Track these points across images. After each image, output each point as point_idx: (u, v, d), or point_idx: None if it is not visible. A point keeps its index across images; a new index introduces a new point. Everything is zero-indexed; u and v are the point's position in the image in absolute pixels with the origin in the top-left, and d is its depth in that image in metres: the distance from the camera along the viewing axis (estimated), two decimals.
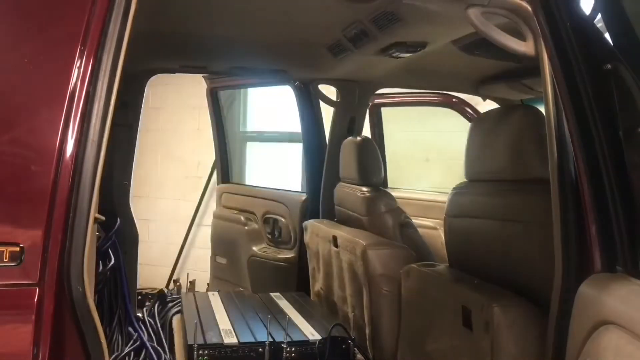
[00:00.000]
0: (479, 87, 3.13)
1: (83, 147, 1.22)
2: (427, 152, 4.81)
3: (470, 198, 1.98)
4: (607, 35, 1.25)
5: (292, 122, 4.34)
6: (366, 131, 3.85)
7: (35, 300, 1.17)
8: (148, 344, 2.24)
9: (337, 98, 3.36)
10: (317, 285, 3.00)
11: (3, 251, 1.17)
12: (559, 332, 1.32)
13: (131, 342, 2.30)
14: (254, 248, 3.78)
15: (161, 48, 2.65)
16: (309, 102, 3.52)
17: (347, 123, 3.35)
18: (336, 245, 2.65)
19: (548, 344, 1.36)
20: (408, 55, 2.44)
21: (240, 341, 2.03)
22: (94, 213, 1.23)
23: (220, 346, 1.99)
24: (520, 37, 1.50)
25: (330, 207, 3.26)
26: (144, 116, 3.04)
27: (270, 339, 2.03)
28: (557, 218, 1.36)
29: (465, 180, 2.02)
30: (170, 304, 3.10)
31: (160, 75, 3.16)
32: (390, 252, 2.37)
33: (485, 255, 1.88)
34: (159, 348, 2.25)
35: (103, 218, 1.33)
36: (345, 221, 2.99)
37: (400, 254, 2.38)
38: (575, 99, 1.28)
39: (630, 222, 1.20)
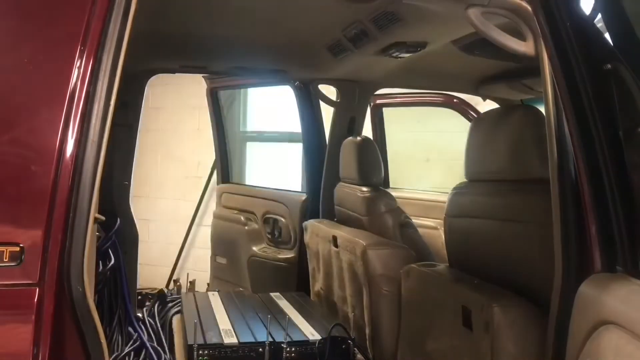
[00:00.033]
0: (479, 87, 3.13)
1: (83, 147, 1.22)
2: (428, 152, 4.82)
3: (470, 198, 1.98)
4: (607, 35, 1.25)
5: (292, 122, 4.34)
6: (368, 132, 3.86)
7: (35, 300, 1.17)
8: (148, 344, 2.24)
9: (337, 98, 3.36)
10: (317, 285, 3.00)
11: (3, 251, 1.17)
12: (559, 332, 1.32)
13: (131, 342, 2.30)
14: (254, 248, 3.78)
15: (161, 48, 2.65)
16: (309, 102, 3.52)
17: (347, 123, 3.35)
18: (336, 245, 2.65)
19: (548, 344, 1.36)
20: (408, 55, 2.44)
21: (240, 341, 2.03)
22: (94, 213, 1.23)
23: (220, 346, 1.99)
24: (520, 37, 1.50)
25: (330, 207, 3.26)
26: (144, 116, 3.04)
27: (270, 339, 2.03)
28: (557, 218, 1.36)
29: (465, 180, 2.02)
30: (170, 304, 3.10)
31: (160, 75, 3.16)
32: (390, 252, 2.37)
33: (485, 255, 1.87)
34: (159, 348, 2.25)
35: (103, 218, 1.33)
36: (345, 221, 2.99)
37: (400, 254, 2.38)
38: (575, 99, 1.28)
39: (630, 222, 1.20)
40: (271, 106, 5.73)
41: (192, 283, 5.49)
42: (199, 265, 5.53)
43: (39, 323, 1.16)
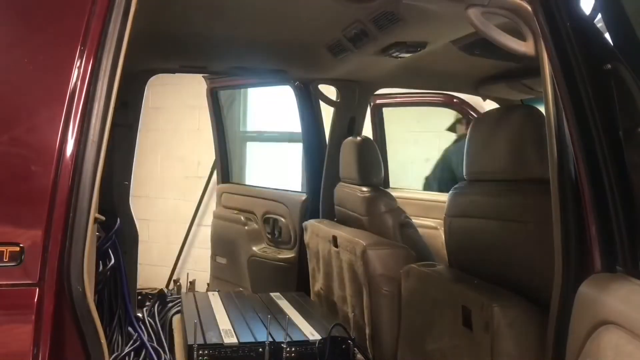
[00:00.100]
0: (479, 87, 3.13)
1: (83, 147, 1.22)
2: (428, 152, 4.82)
3: (470, 198, 1.98)
4: (607, 35, 1.25)
5: (292, 122, 4.34)
6: (368, 132, 3.86)
7: (35, 300, 1.17)
8: (148, 344, 2.24)
9: (337, 98, 3.36)
10: (317, 285, 3.00)
11: (3, 251, 1.17)
12: (559, 332, 1.32)
13: (131, 342, 2.30)
14: (254, 248, 3.78)
15: (161, 48, 2.65)
16: (309, 102, 3.52)
17: (347, 123, 3.35)
18: (336, 245, 2.65)
19: (548, 344, 1.36)
20: (408, 55, 2.44)
21: (240, 341, 2.03)
22: (94, 213, 1.23)
23: (220, 346, 1.99)
24: (520, 37, 1.50)
25: (330, 207, 3.26)
26: (144, 116, 3.04)
27: (270, 339, 2.03)
28: (557, 218, 1.36)
29: (465, 180, 2.02)
30: (170, 304, 3.10)
31: (160, 75, 3.16)
32: (390, 252, 2.37)
33: (485, 255, 1.88)
34: (159, 348, 2.25)
35: (103, 218, 1.33)
36: (345, 221, 2.99)
37: (400, 254, 2.38)
38: (575, 99, 1.28)
39: (630, 222, 1.20)
40: (271, 106, 5.73)
41: (192, 283, 5.49)
42: (199, 265, 5.53)
43: (39, 323, 1.16)
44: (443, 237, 2.22)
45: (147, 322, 2.52)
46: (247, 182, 5.30)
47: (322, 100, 3.43)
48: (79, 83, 1.23)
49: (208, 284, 4.50)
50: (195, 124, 5.86)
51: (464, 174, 2.00)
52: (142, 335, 2.31)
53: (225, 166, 4.26)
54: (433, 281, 2.00)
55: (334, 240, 2.67)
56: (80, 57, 1.23)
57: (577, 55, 1.27)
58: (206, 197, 5.90)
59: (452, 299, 1.81)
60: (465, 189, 2.02)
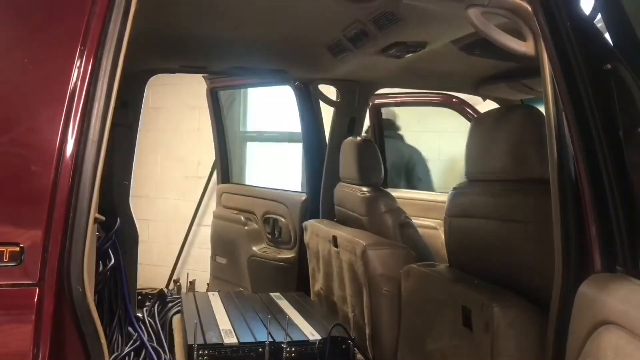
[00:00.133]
0: (479, 87, 3.13)
1: (83, 147, 1.22)
2: (428, 151, 4.82)
3: (470, 198, 1.98)
4: (607, 35, 1.25)
5: (292, 122, 4.34)
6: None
7: (35, 300, 1.17)
8: (148, 344, 2.24)
9: (337, 98, 3.36)
10: (317, 285, 3.00)
11: (3, 251, 1.17)
12: (559, 332, 1.32)
13: (131, 342, 2.30)
14: (254, 248, 3.78)
15: (161, 48, 2.65)
16: (309, 102, 3.52)
17: (347, 123, 3.35)
18: (336, 245, 2.65)
19: (548, 344, 1.36)
20: (408, 55, 2.44)
21: (240, 341, 2.03)
22: (94, 213, 1.23)
23: (220, 346, 1.99)
24: (520, 37, 1.49)
25: (330, 207, 3.26)
26: (144, 116, 3.04)
27: (270, 339, 2.03)
28: (557, 218, 1.36)
29: (465, 180, 2.02)
30: (170, 304, 3.10)
31: (160, 75, 3.16)
32: (390, 252, 2.37)
33: (485, 255, 1.87)
34: (158, 348, 2.25)
35: (103, 218, 1.33)
36: (345, 221, 2.99)
37: (400, 254, 2.38)
38: (575, 99, 1.28)
39: (630, 222, 1.20)
40: (271, 106, 5.73)
41: (192, 283, 5.49)
42: (199, 265, 5.53)
43: (39, 323, 1.16)
44: (443, 237, 2.22)
45: (147, 322, 2.52)
46: (247, 182, 5.30)
47: (322, 100, 3.43)
48: (79, 83, 1.23)
49: (208, 284, 4.50)
50: (195, 124, 5.86)
51: (465, 173, 2.00)
52: (142, 335, 2.31)
53: (225, 166, 4.26)
54: (433, 281, 2.00)
55: (334, 240, 2.67)
56: (80, 57, 1.23)
57: (577, 55, 1.27)
58: (206, 197, 5.90)
59: (452, 299, 1.81)
60: (465, 189, 2.02)
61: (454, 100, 3.83)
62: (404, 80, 3.35)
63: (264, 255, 3.71)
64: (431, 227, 3.53)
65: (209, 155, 5.13)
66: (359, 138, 3.00)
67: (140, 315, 2.71)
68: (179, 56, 2.89)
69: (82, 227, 1.21)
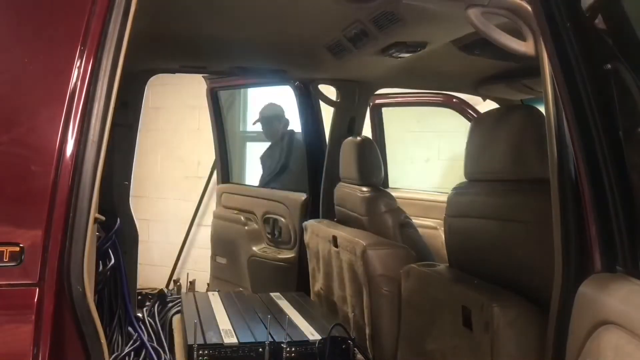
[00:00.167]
0: (479, 87, 3.13)
1: (83, 147, 1.22)
2: (428, 151, 4.82)
3: (470, 198, 1.98)
4: (607, 35, 1.25)
5: (292, 122, 4.34)
6: (368, 132, 3.86)
7: (35, 300, 1.17)
8: (148, 344, 2.24)
9: (337, 98, 3.36)
10: (317, 285, 2.99)
11: (3, 251, 1.17)
12: (559, 332, 1.32)
13: (131, 342, 2.30)
14: (254, 248, 3.78)
15: (161, 48, 2.65)
16: (309, 102, 3.52)
17: (347, 123, 3.35)
18: (336, 245, 2.65)
19: (548, 344, 1.36)
20: (408, 55, 2.44)
21: (240, 341, 2.03)
22: (94, 213, 1.23)
23: (220, 346, 1.99)
24: (520, 37, 1.49)
25: (330, 207, 3.26)
26: (144, 116, 3.04)
27: (270, 339, 2.02)
28: (557, 218, 1.36)
29: (465, 180, 2.02)
30: (170, 304, 3.10)
31: (160, 75, 3.16)
32: (390, 252, 2.37)
33: (485, 255, 1.88)
34: (159, 348, 2.25)
35: (103, 218, 1.33)
36: (345, 221, 2.99)
37: (400, 254, 2.38)
38: (575, 99, 1.28)
39: (630, 222, 1.20)
40: None
41: (192, 283, 5.49)
42: (199, 265, 5.53)
43: (39, 323, 1.16)
44: (443, 237, 2.22)
45: (147, 322, 2.51)
46: (247, 182, 5.29)
47: (322, 100, 3.43)
48: (79, 83, 1.22)
49: (208, 284, 4.50)
50: (195, 124, 5.85)
51: (464, 173, 2.00)
52: (142, 335, 2.30)
53: (225, 166, 4.27)
54: (433, 281, 2.00)
55: (334, 240, 2.67)
56: (80, 57, 1.23)
57: (577, 55, 1.27)
58: (206, 197, 5.89)
59: (452, 299, 1.81)
60: (465, 189, 2.02)
61: (454, 100, 3.83)
62: (404, 80, 3.35)
63: (264, 255, 3.72)
64: (431, 227, 3.53)
65: (209, 155, 5.13)
66: (359, 138, 3.01)
67: (140, 315, 2.71)
68: (179, 56, 2.89)
69: (82, 227, 1.21)
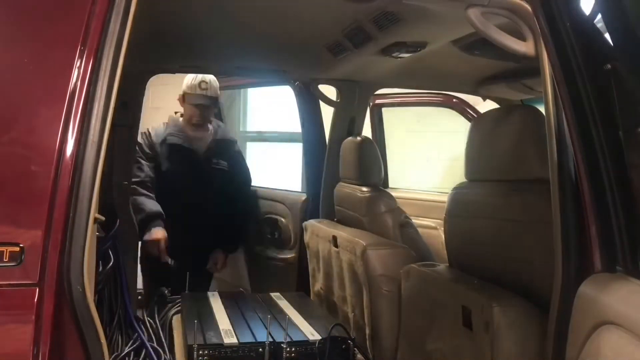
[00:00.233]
0: (479, 87, 3.13)
1: (83, 147, 1.22)
2: (428, 151, 4.82)
3: (470, 198, 1.98)
4: (607, 35, 1.25)
5: (292, 122, 4.34)
6: (367, 132, 3.86)
7: (35, 300, 1.17)
8: (148, 344, 2.24)
9: (337, 98, 3.36)
10: (317, 285, 3.00)
11: (3, 251, 1.17)
12: (559, 332, 1.32)
13: (131, 342, 2.30)
14: (254, 248, 3.78)
15: (161, 48, 2.65)
16: (309, 102, 3.52)
17: (347, 123, 3.35)
18: (336, 245, 2.65)
19: (548, 344, 1.36)
20: (408, 55, 2.44)
21: (240, 341, 2.03)
22: (94, 213, 1.23)
23: (220, 346, 1.99)
24: (520, 37, 1.50)
25: (330, 207, 3.26)
26: (144, 116, 3.04)
27: (270, 339, 2.02)
28: (557, 218, 1.36)
29: (465, 180, 2.02)
30: (170, 304, 3.09)
31: (160, 75, 3.16)
32: (390, 252, 2.37)
33: (485, 255, 1.88)
34: (158, 348, 2.25)
35: (103, 218, 1.33)
36: (345, 221, 2.99)
37: (400, 254, 2.38)
38: (575, 99, 1.28)
39: (630, 222, 1.21)
40: (271, 106, 5.73)
41: None
42: None
43: (39, 323, 1.16)
44: (443, 237, 2.22)
45: (147, 322, 2.51)
46: None
47: (322, 100, 3.43)
48: (79, 83, 1.22)
49: None
50: None
51: (464, 173, 2.00)
52: (142, 335, 2.30)
53: None
54: (433, 281, 2.00)
55: (334, 240, 2.67)
56: (80, 57, 1.23)
57: (577, 55, 1.27)
58: None
59: (452, 299, 1.81)
60: (465, 189, 2.02)
61: (454, 100, 3.83)
62: (404, 80, 3.35)
63: (264, 255, 3.72)
64: (431, 227, 3.53)
65: None
66: (359, 138, 3.01)
67: (140, 315, 2.71)
68: (179, 56, 2.89)
69: (82, 227, 1.21)
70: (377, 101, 4.18)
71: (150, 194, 3.14)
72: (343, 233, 2.62)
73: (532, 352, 1.51)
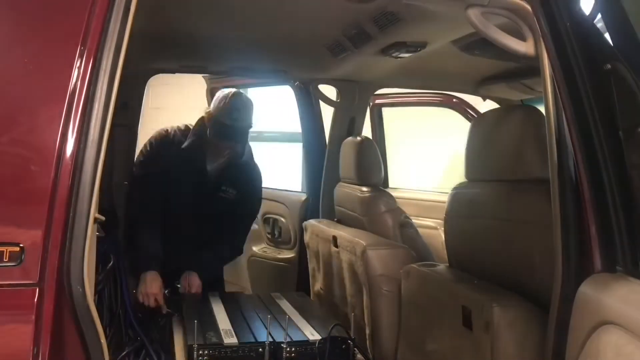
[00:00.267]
0: (479, 87, 3.13)
1: (83, 147, 1.22)
2: (428, 151, 4.82)
3: (470, 198, 1.98)
4: (607, 35, 1.25)
5: (292, 122, 4.34)
6: (367, 132, 3.85)
7: (35, 300, 1.17)
8: (148, 344, 2.24)
9: (337, 98, 3.36)
10: (317, 285, 3.00)
11: (3, 251, 1.17)
12: (559, 332, 1.32)
13: (131, 342, 2.30)
14: (254, 248, 3.78)
15: (161, 48, 2.65)
16: (309, 102, 3.52)
17: (347, 123, 3.35)
18: (336, 245, 2.65)
19: (548, 344, 1.36)
20: (408, 55, 2.44)
21: (240, 341, 2.03)
22: (94, 213, 1.23)
23: (220, 346, 1.99)
24: (520, 37, 1.50)
25: (330, 207, 3.26)
26: (144, 116, 3.04)
27: (270, 339, 2.02)
28: (557, 218, 1.36)
29: (465, 180, 2.02)
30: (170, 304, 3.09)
31: (160, 75, 3.16)
32: (390, 252, 2.37)
33: (485, 255, 1.88)
34: (159, 348, 2.25)
35: (103, 218, 1.33)
36: (345, 221, 2.99)
37: (400, 254, 2.38)
38: (575, 99, 1.28)
39: (630, 222, 1.21)
40: (271, 106, 5.73)
41: None
42: None
43: (39, 323, 1.16)
44: (443, 237, 2.22)
45: (147, 322, 2.51)
46: None
47: (322, 100, 3.43)
48: (79, 83, 1.22)
49: None
50: None
51: (464, 173, 2.00)
52: (142, 335, 2.30)
53: None
54: (433, 281, 2.00)
55: (334, 240, 2.67)
56: (80, 57, 1.23)
57: (577, 55, 1.27)
58: None
59: (452, 299, 1.81)
60: (465, 189, 2.02)
61: (454, 100, 3.83)
62: (404, 80, 3.35)
63: (264, 255, 3.72)
64: (431, 227, 3.53)
65: None
66: (359, 138, 3.01)
67: (140, 315, 2.70)
68: (179, 56, 2.89)
69: (82, 227, 1.21)
70: (377, 101, 4.18)
71: (156, 226, 2.71)
72: (343, 233, 2.62)
73: (532, 352, 1.51)
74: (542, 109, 1.52)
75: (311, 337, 2.09)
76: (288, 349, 2.00)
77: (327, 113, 3.50)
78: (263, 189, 3.01)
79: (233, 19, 2.24)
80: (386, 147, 4.27)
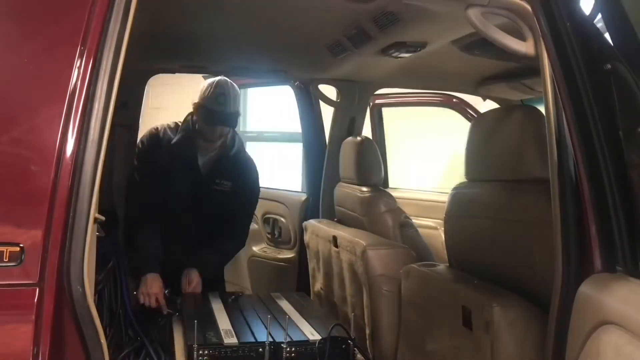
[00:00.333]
0: (479, 87, 3.13)
1: (83, 147, 1.22)
2: (428, 151, 4.82)
3: (470, 198, 1.98)
4: (607, 35, 1.25)
5: (292, 122, 4.34)
6: (367, 132, 3.85)
7: (35, 300, 1.17)
8: (148, 344, 2.24)
9: (337, 98, 3.36)
10: (317, 285, 3.00)
11: (3, 251, 1.17)
12: (559, 332, 1.32)
13: (131, 342, 2.30)
14: (254, 248, 3.78)
15: (161, 48, 2.65)
16: (309, 102, 3.52)
17: (347, 123, 3.35)
18: (336, 245, 2.65)
19: (548, 344, 1.36)
20: (408, 55, 2.44)
21: (240, 341, 2.03)
22: (94, 213, 1.23)
23: (220, 346, 1.99)
24: (520, 37, 1.50)
25: (330, 207, 3.26)
26: (144, 116, 3.04)
27: (270, 339, 2.02)
28: (557, 218, 1.36)
29: (465, 180, 2.02)
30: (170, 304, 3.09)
31: (160, 75, 3.16)
32: (390, 252, 2.37)
33: (485, 255, 1.88)
34: (159, 348, 2.25)
35: (103, 218, 1.33)
36: (345, 221, 2.99)
37: (400, 254, 2.38)
38: (575, 99, 1.28)
39: (630, 222, 1.21)
40: (271, 106, 5.73)
41: None
42: None
43: (39, 323, 1.16)
44: (443, 237, 2.22)
45: (147, 322, 2.51)
46: None
47: (322, 100, 3.43)
48: (79, 83, 1.22)
49: None
50: None
51: (464, 173, 2.00)
52: (142, 335, 2.30)
53: None
54: (433, 281, 2.00)
55: (334, 240, 2.67)
56: (80, 57, 1.23)
57: (577, 55, 1.27)
58: None
59: (452, 299, 1.81)
60: (465, 189, 2.02)
61: (454, 100, 3.83)
62: (404, 80, 3.35)
63: (264, 255, 3.71)
64: (431, 227, 3.53)
65: None
66: (359, 138, 3.01)
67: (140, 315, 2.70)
68: (179, 56, 2.89)
69: (82, 227, 1.21)
70: (377, 101, 4.18)
71: (155, 226, 2.69)
72: (343, 233, 2.62)
73: (532, 352, 1.51)
74: (542, 109, 1.52)
75: (311, 337, 2.08)
76: (288, 349, 2.00)
77: (327, 113, 3.50)
78: (263, 189, 3.01)
79: (233, 19, 2.24)
80: (386, 147, 4.27)
